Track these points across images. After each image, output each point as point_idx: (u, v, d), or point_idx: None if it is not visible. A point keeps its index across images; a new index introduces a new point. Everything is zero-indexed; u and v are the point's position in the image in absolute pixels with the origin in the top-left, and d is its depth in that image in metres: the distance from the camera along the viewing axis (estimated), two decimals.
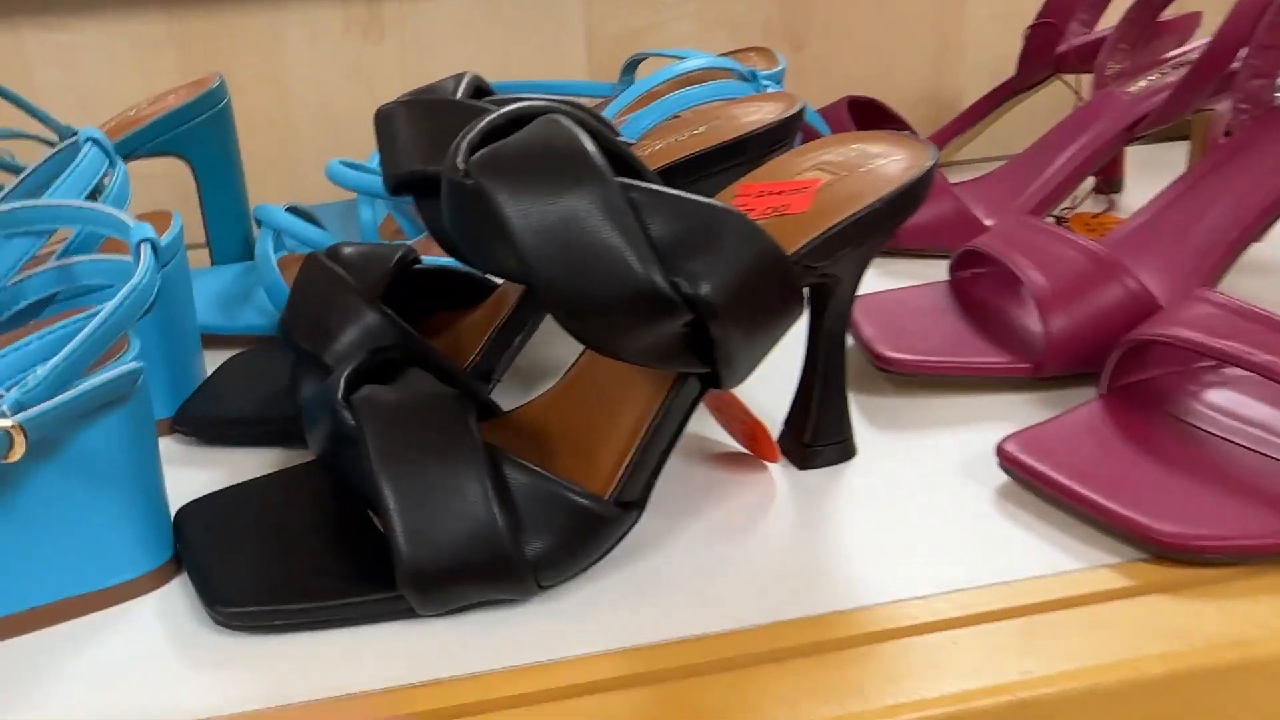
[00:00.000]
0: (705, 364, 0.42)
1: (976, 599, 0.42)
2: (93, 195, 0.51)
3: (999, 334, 0.59)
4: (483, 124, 0.42)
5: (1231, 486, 0.46)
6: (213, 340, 0.64)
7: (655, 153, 0.59)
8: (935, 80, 0.98)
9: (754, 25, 0.93)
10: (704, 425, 0.53)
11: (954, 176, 0.78)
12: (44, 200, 0.48)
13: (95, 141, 0.51)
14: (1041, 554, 0.44)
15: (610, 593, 0.43)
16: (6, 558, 0.41)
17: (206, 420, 0.56)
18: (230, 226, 0.75)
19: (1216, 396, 0.52)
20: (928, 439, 0.53)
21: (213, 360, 0.61)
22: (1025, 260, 0.57)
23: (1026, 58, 0.86)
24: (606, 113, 0.70)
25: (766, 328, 0.42)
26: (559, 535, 0.42)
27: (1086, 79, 0.83)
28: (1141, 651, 0.39)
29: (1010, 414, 0.54)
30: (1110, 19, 0.82)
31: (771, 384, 0.49)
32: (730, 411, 0.51)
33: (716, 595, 0.43)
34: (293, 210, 0.68)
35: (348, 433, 0.43)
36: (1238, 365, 0.47)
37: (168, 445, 0.54)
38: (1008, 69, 0.88)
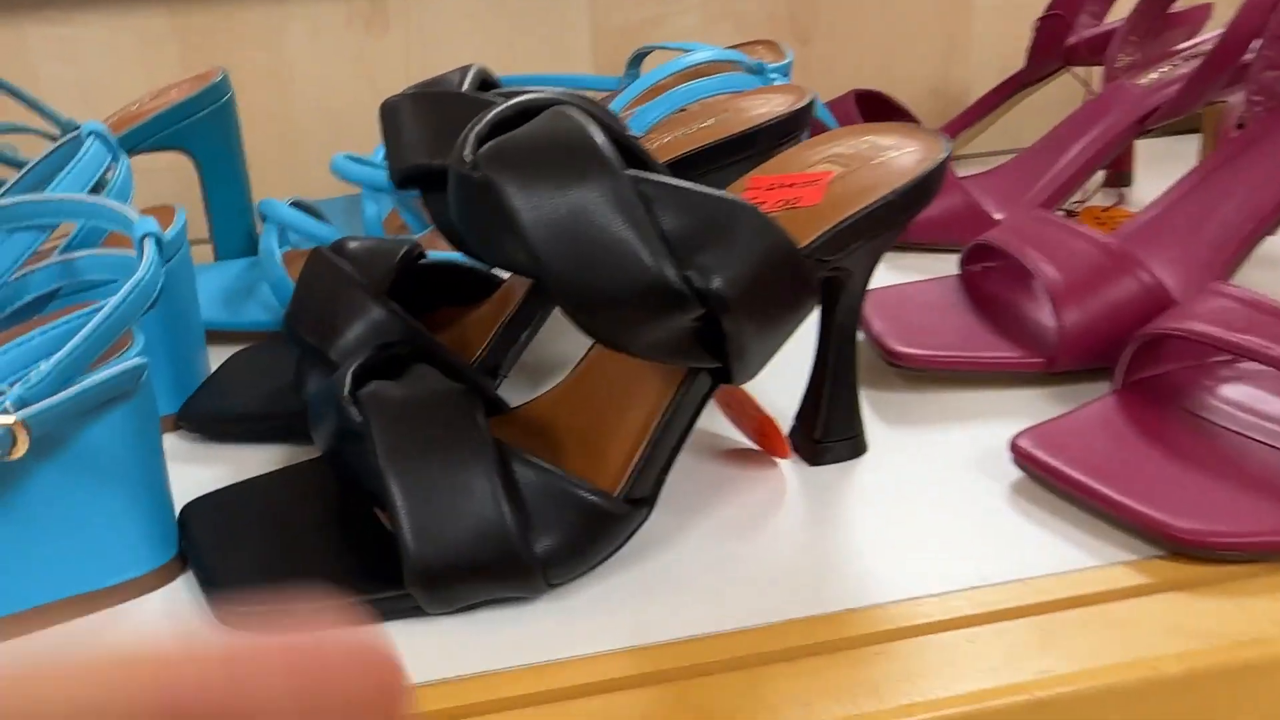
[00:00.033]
0: (716, 359, 0.41)
1: (991, 596, 0.41)
2: (96, 189, 0.51)
3: (1010, 328, 0.58)
4: (490, 116, 0.41)
5: (1248, 482, 0.45)
6: (217, 336, 0.63)
7: (663, 146, 0.59)
8: (942, 73, 0.97)
9: (759, 18, 0.93)
10: (713, 421, 0.52)
11: (962, 170, 0.77)
12: (46, 194, 0.48)
13: (98, 135, 0.50)
14: (1056, 551, 0.44)
15: (620, 591, 0.43)
16: (9, 556, 0.41)
17: (211, 417, 0.56)
18: (234, 221, 0.74)
19: (1232, 391, 0.51)
20: (939, 434, 0.52)
21: (217, 356, 0.60)
22: (1037, 254, 0.57)
23: (1035, 50, 0.85)
24: (613, 106, 0.70)
25: (779, 322, 0.41)
26: (568, 532, 0.41)
27: (1096, 71, 0.82)
28: (1160, 650, 0.38)
29: (1023, 409, 0.53)
30: (1120, 11, 0.81)
31: (781, 379, 0.49)
32: (740, 407, 0.50)
33: (727, 593, 0.42)
34: (297, 205, 0.67)
35: (354, 429, 0.42)
36: (1254, 359, 0.47)
37: (172, 442, 0.54)
38: (1015, 62, 0.87)
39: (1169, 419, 0.50)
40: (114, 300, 0.40)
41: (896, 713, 0.37)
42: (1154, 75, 0.75)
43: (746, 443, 0.52)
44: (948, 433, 0.52)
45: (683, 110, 0.65)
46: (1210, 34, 0.75)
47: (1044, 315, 0.57)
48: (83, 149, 0.50)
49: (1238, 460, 0.47)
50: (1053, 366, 0.55)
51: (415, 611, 0.41)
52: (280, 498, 0.47)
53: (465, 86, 0.53)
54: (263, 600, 0.41)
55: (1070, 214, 0.78)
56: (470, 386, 0.45)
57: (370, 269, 0.55)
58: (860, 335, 0.51)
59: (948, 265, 0.64)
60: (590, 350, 0.48)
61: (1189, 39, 0.78)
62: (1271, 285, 0.54)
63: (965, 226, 0.69)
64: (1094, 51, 0.81)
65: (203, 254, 0.72)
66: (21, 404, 0.38)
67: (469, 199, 0.40)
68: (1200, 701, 0.38)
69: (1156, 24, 0.78)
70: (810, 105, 0.56)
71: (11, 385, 0.39)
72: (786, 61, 0.74)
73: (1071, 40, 0.82)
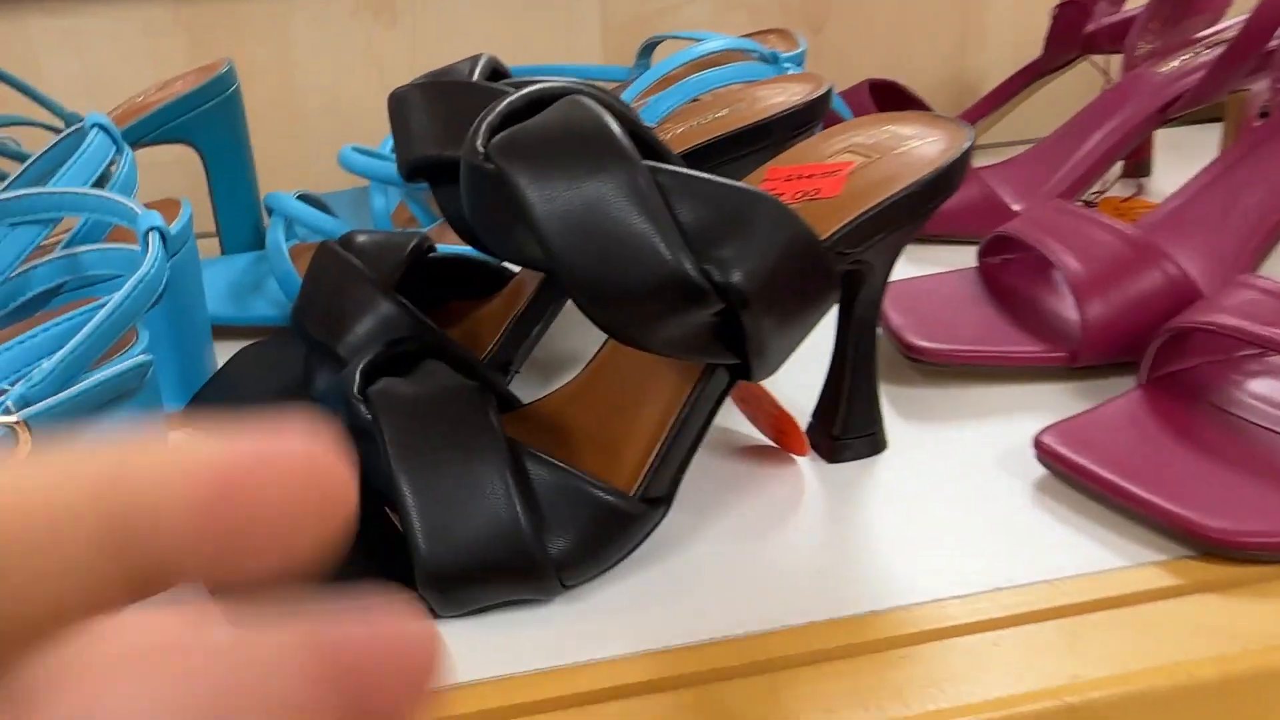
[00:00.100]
0: (735, 355, 0.40)
1: (1017, 598, 0.40)
2: (99, 183, 0.50)
3: (1031, 322, 0.57)
4: (502, 106, 0.40)
5: (1279, 479, 0.44)
6: (224, 331, 0.63)
7: (676, 137, 0.58)
8: (957, 63, 0.96)
9: (771, 7, 0.91)
10: (729, 418, 0.51)
11: (978, 160, 0.76)
12: (49, 188, 0.47)
13: (101, 127, 0.49)
14: (1083, 551, 0.43)
15: (636, 592, 0.42)
16: None
17: (217, 413, 0.55)
18: (241, 215, 0.73)
19: (1261, 386, 0.50)
20: (960, 431, 0.51)
21: (224, 351, 0.59)
22: (1059, 245, 0.55)
23: (1053, 38, 0.83)
24: (624, 97, 0.69)
25: (799, 316, 0.40)
26: (583, 533, 0.40)
27: (1115, 60, 0.81)
28: (1193, 654, 0.37)
29: (1045, 405, 0.52)
30: None
31: (799, 375, 0.48)
32: (757, 404, 0.49)
33: (746, 595, 0.41)
34: (304, 198, 0.66)
35: (364, 427, 0.41)
36: None
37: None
38: (1032, 50, 0.86)
39: (1196, 414, 0.48)
40: (117, 296, 0.39)
41: (922, 718, 0.35)
42: (1174, 63, 0.73)
43: (764, 440, 0.51)
44: (969, 429, 0.51)
45: (695, 101, 0.64)
46: (1233, 20, 0.74)
47: (1066, 308, 0.56)
48: (86, 142, 0.49)
49: (1269, 456, 0.45)
50: (1076, 361, 0.54)
51: (427, 614, 0.40)
52: None
53: (475, 76, 0.52)
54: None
55: (1088, 205, 0.77)
56: (482, 383, 0.44)
57: (379, 263, 0.54)
58: (878, 330, 0.50)
59: (965, 257, 0.63)
60: (604, 345, 0.47)
61: (1211, 26, 0.76)
62: None
63: (983, 218, 0.68)
64: (1113, 39, 0.79)
65: (209, 248, 0.71)
66: (24, 403, 0.37)
67: (480, 191, 0.39)
68: (1235, 707, 0.37)
69: (1177, 10, 0.76)
70: (828, 95, 0.55)
71: (13, 384, 0.38)
72: (800, 50, 0.72)
73: (1090, 28, 0.81)
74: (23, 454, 0.37)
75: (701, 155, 0.55)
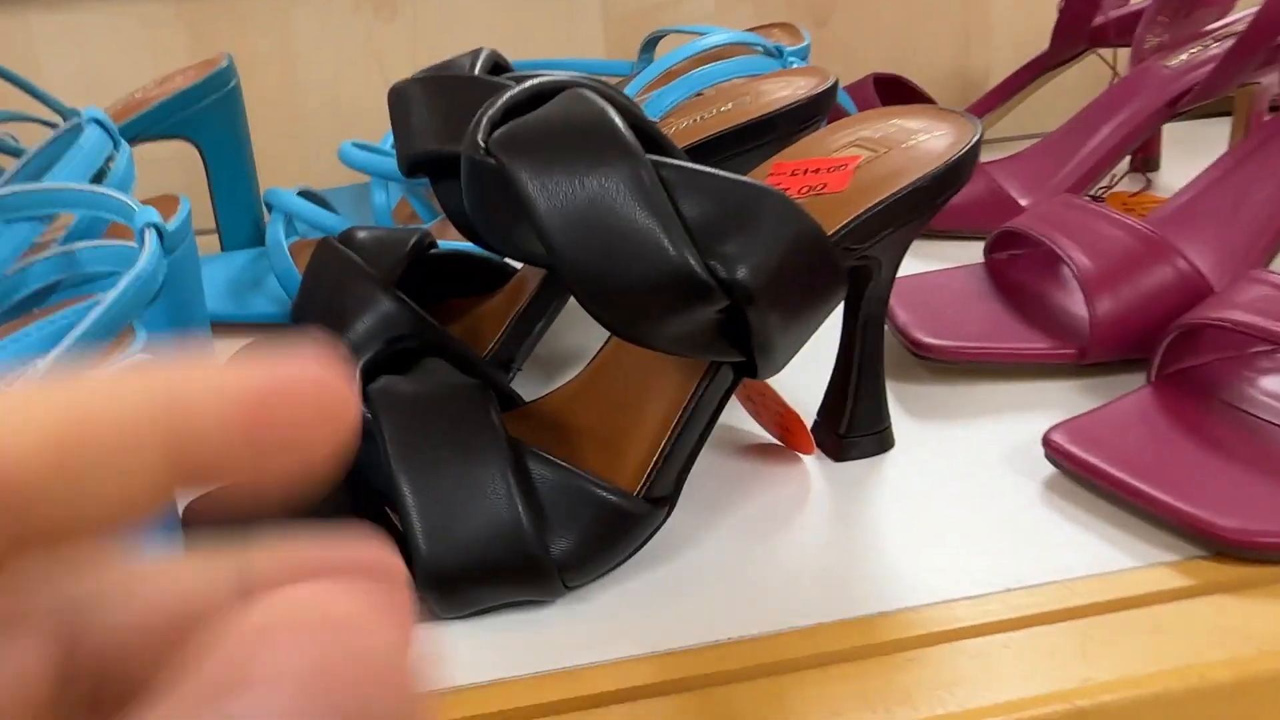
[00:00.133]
0: (740, 352, 0.40)
1: (1028, 599, 0.40)
2: (97, 179, 0.49)
3: (1040, 318, 0.56)
4: (504, 100, 0.39)
5: None
6: (223, 328, 0.62)
7: (679, 132, 0.57)
8: (962, 57, 0.95)
9: (775, 1, 0.91)
10: (733, 416, 0.50)
11: (985, 155, 0.75)
12: (44, 184, 0.46)
13: (98, 122, 0.49)
14: (1093, 551, 0.42)
15: (640, 594, 0.41)
16: None
17: None
18: (240, 211, 0.73)
19: (1274, 382, 0.49)
20: (968, 429, 0.51)
21: (223, 349, 0.58)
22: (1068, 240, 0.55)
23: (1060, 31, 0.83)
24: (627, 91, 0.68)
25: (806, 313, 0.39)
26: (586, 533, 0.40)
27: (1123, 53, 0.80)
28: (1207, 656, 0.37)
29: (1054, 402, 0.51)
30: None
31: (805, 372, 0.47)
32: (763, 401, 0.48)
33: (752, 596, 0.40)
34: (304, 194, 0.66)
35: (363, 426, 0.41)
36: None
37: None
38: (1037, 44, 0.85)
39: (1208, 412, 0.48)
40: (112, 294, 0.39)
41: None
42: (1183, 57, 0.73)
43: (769, 438, 0.50)
44: (977, 427, 0.51)
45: (699, 95, 0.64)
46: (1242, 13, 0.73)
47: (1075, 304, 0.55)
48: (82, 137, 0.48)
49: None
50: (1085, 357, 0.53)
51: (427, 616, 0.40)
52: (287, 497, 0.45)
53: (476, 71, 0.51)
54: None
55: (1096, 200, 0.76)
56: (483, 380, 0.44)
57: (379, 259, 0.53)
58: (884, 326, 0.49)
59: (972, 253, 0.62)
60: (607, 343, 0.47)
61: (1220, 19, 0.76)
62: None
63: (990, 213, 0.68)
64: (1121, 32, 0.79)
65: (209, 245, 0.71)
66: None
67: (481, 186, 0.38)
68: (1250, 710, 0.37)
69: (1186, 3, 0.75)
70: (833, 88, 0.54)
71: (9, 383, 0.37)
72: (805, 44, 0.72)
73: (1098, 21, 0.80)
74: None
75: (706, 150, 0.54)
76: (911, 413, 0.52)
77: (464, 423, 0.41)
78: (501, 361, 0.54)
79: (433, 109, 0.49)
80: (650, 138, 0.40)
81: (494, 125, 0.38)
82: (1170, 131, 0.80)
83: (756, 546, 0.43)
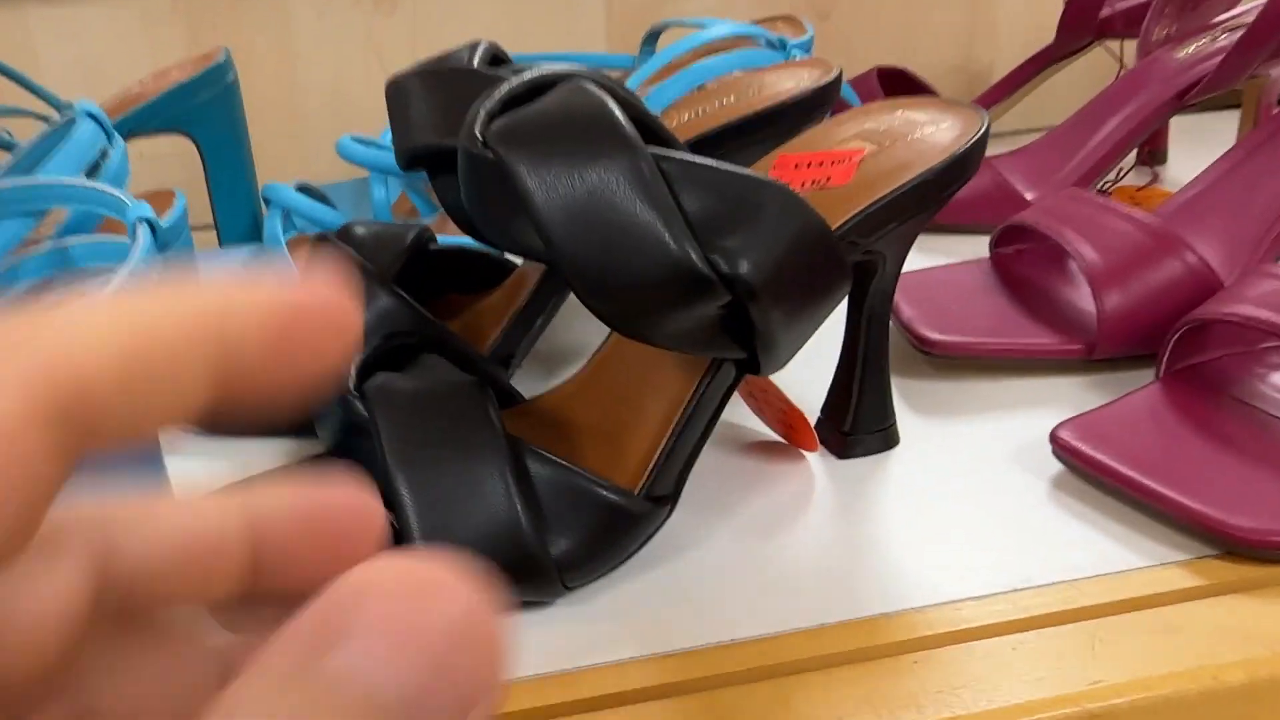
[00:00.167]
0: (743, 348, 0.39)
1: (1036, 600, 0.39)
2: (91, 173, 0.49)
3: (1047, 313, 0.56)
4: (502, 91, 0.39)
5: None
6: None
7: (681, 125, 0.56)
8: (966, 49, 0.94)
9: None
10: (736, 413, 0.50)
11: (990, 149, 0.74)
12: (36, 178, 0.46)
13: (91, 116, 0.48)
14: (1102, 550, 0.41)
15: (640, 594, 0.40)
16: None
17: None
18: (238, 207, 0.72)
19: None
20: (975, 426, 0.50)
21: None
22: (1075, 234, 0.54)
23: (1066, 23, 0.82)
24: (628, 84, 0.67)
25: (810, 309, 0.39)
26: (586, 533, 0.39)
27: (1130, 45, 0.79)
28: (1219, 658, 0.36)
29: (1062, 399, 0.51)
30: None
31: (809, 369, 0.46)
32: (766, 398, 0.48)
33: (754, 597, 0.40)
34: (302, 189, 0.65)
35: (360, 424, 0.40)
36: None
37: (171, 438, 0.51)
38: (1042, 37, 0.84)
39: (1218, 408, 0.47)
40: (105, 290, 0.38)
41: None
42: (1191, 48, 0.72)
43: (772, 436, 0.49)
44: (983, 424, 0.50)
45: (701, 88, 0.63)
46: (1251, 4, 0.72)
47: (1082, 299, 0.55)
48: (75, 130, 0.47)
49: None
50: (1093, 353, 0.52)
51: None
52: None
53: (475, 63, 0.50)
54: None
55: (1103, 194, 0.75)
56: (482, 377, 0.43)
57: (378, 255, 0.53)
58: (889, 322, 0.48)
59: (978, 248, 0.62)
60: (608, 339, 0.46)
61: (1228, 9, 0.75)
62: None
63: (995, 207, 0.67)
64: (1128, 24, 0.78)
65: (206, 240, 0.70)
66: None
67: (478, 179, 0.38)
68: (1265, 713, 0.36)
69: None
70: (838, 80, 0.54)
71: None
72: (808, 37, 0.71)
73: (1105, 12, 0.79)
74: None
75: (708, 143, 0.53)
76: (917, 410, 0.51)
77: (462, 421, 0.40)
78: (501, 358, 0.53)
79: (431, 102, 0.49)
80: (651, 130, 0.39)
81: (491, 117, 0.38)
82: (1178, 124, 0.79)
83: (759, 546, 0.43)
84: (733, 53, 0.65)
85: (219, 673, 0.17)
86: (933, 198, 0.42)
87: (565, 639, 0.38)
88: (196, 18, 0.83)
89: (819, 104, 0.53)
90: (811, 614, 0.39)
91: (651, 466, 0.41)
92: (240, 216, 0.72)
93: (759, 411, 0.49)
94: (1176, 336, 0.48)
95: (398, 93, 0.50)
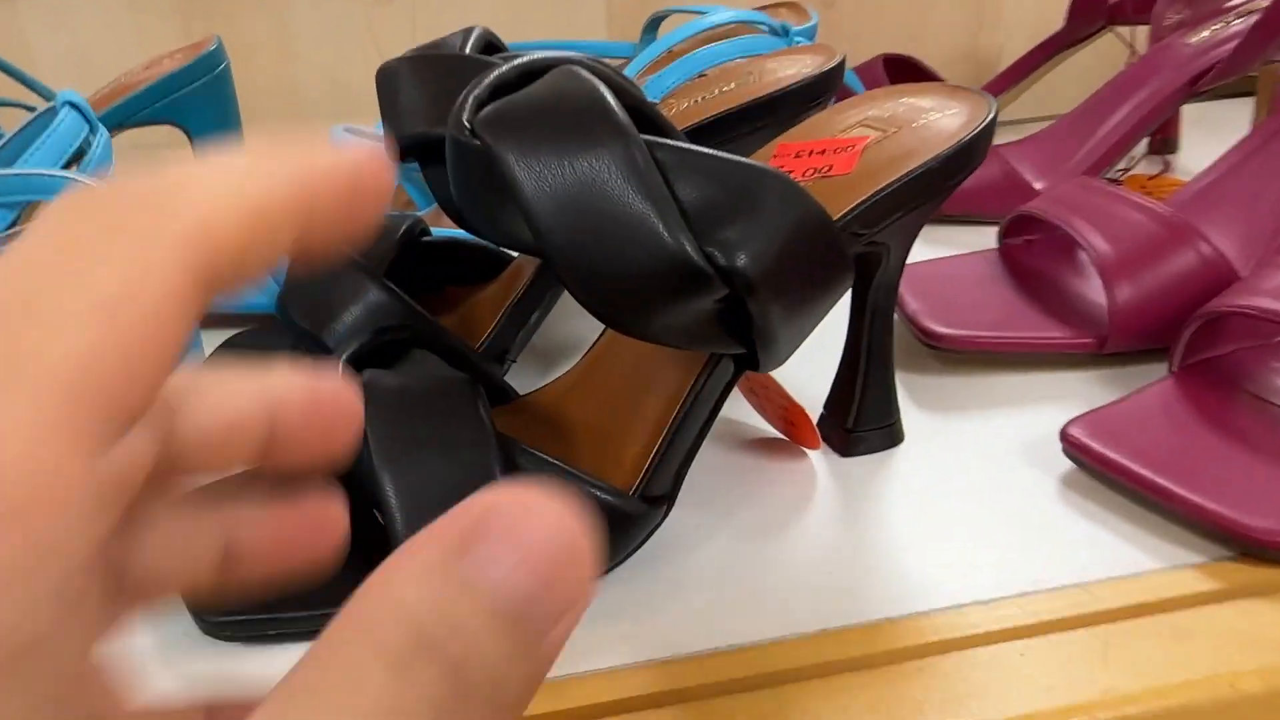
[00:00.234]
0: (741, 344, 0.37)
1: (1046, 604, 0.37)
2: (74, 163, 0.47)
3: (1056, 306, 0.54)
4: (491, 78, 0.37)
5: None
6: (209, 318, 0.60)
7: (680, 113, 0.55)
8: (972, 37, 0.92)
9: None
10: (736, 409, 0.48)
11: (998, 137, 0.73)
12: (15, 169, 0.44)
13: (73, 105, 0.47)
14: (1114, 552, 0.40)
15: (636, 598, 0.39)
16: None
17: None
18: None
19: None
20: (982, 422, 0.48)
21: (210, 341, 0.57)
22: (1085, 224, 0.53)
23: (1077, 9, 0.80)
24: (627, 72, 0.66)
25: (810, 303, 0.37)
26: None
27: (1141, 31, 0.77)
28: (1235, 665, 0.35)
29: (1072, 394, 0.49)
30: None
31: (811, 364, 0.45)
32: (766, 395, 0.46)
33: (754, 600, 0.39)
34: None
35: None
36: None
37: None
38: (1051, 23, 0.82)
39: (1234, 403, 0.46)
40: None
41: None
42: (1204, 34, 0.70)
43: (773, 433, 0.48)
44: (991, 420, 0.49)
45: (701, 76, 0.61)
46: None
47: (1093, 291, 0.53)
48: (55, 120, 0.46)
49: None
50: (1104, 347, 0.51)
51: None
52: None
53: (468, 49, 0.49)
54: (248, 610, 0.38)
55: (1114, 183, 0.74)
56: (474, 373, 0.42)
57: (368, 247, 0.51)
58: (894, 315, 0.47)
59: (985, 238, 0.60)
60: (603, 335, 0.45)
61: None
62: None
63: (1003, 197, 0.65)
64: (1139, 9, 0.76)
65: None
66: None
67: (466, 168, 0.36)
68: None
69: None
70: (840, 66, 0.52)
71: None
72: (812, 24, 0.69)
73: None
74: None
75: (708, 132, 0.52)
76: (922, 405, 0.50)
77: (452, 419, 0.39)
78: (496, 352, 0.52)
79: (422, 89, 0.47)
80: (647, 118, 0.38)
81: (480, 104, 0.36)
82: (1190, 112, 0.78)
83: (759, 548, 0.41)
84: (735, 39, 0.64)
85: (221, 546, 0.20)
86: (938, 187, 0.41)
87: None
88: (192, 7, 0.81)
89: (821, 91, 0.51)
90: (812, 618, 0.37)
91: (648, 465, 0.40)
92: None
93: (759, 408, 0.48)
94: (1191, 330, 0.47)
95: (388, 80, 0.48)
